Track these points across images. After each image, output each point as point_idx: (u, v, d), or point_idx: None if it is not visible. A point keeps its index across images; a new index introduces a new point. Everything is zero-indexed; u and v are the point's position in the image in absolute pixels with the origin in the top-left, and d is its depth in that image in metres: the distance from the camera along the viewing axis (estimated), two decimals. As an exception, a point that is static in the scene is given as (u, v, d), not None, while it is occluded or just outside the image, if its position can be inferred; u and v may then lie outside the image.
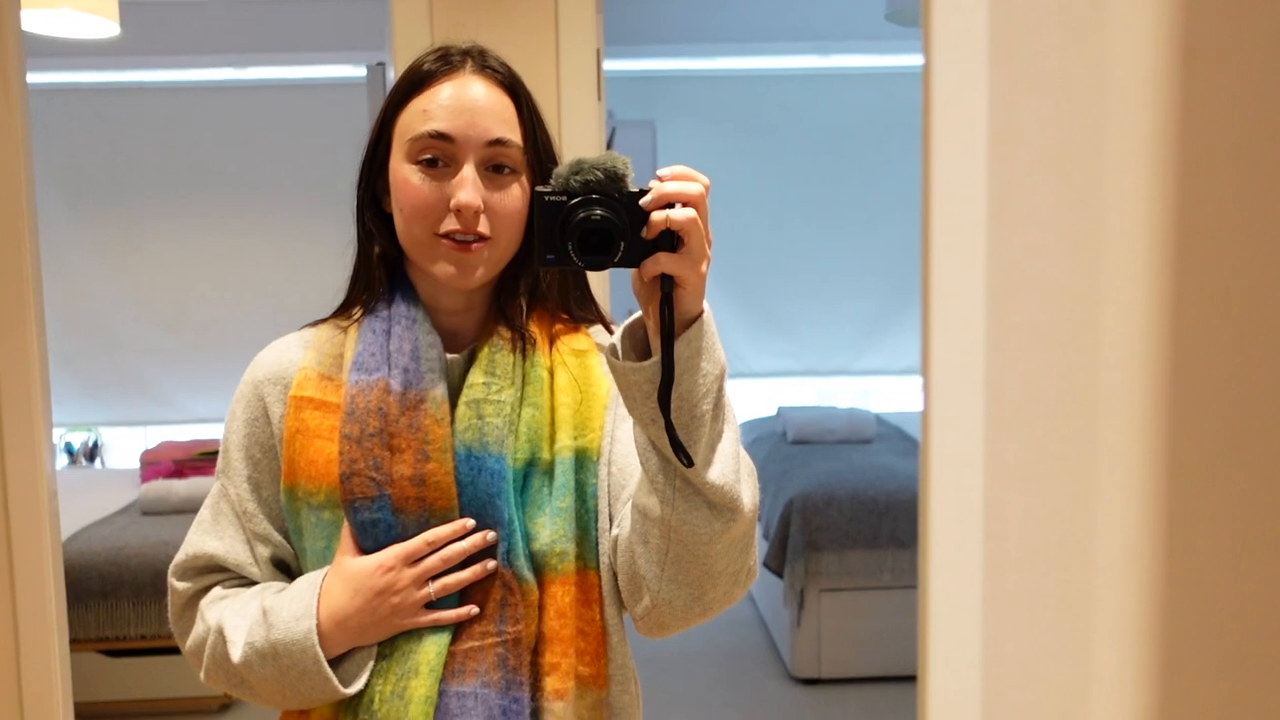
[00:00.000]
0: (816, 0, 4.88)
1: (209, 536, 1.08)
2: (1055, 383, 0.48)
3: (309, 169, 4.85)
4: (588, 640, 1.02)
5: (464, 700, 0.98)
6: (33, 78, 1.87)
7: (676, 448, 0.89)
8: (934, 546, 0.50)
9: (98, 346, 4.99)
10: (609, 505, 1.04)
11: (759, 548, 2.25)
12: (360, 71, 4.69)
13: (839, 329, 5.34)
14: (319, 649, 0.98)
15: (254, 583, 1.08)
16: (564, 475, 1.03)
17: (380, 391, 1.01)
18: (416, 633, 1.00)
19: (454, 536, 1.00)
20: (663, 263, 0.86)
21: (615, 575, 1.03)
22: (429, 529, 1.00)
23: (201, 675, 1.07)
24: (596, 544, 1.04)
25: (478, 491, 1.00)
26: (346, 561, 1.01)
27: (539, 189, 0.88)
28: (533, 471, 1.03)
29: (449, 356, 1.06)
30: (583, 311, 1.12)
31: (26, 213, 1.73)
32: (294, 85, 4.89)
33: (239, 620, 1.02)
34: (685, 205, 0.86)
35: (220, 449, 1.11)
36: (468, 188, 1.00)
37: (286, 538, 1.08)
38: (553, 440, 1.04)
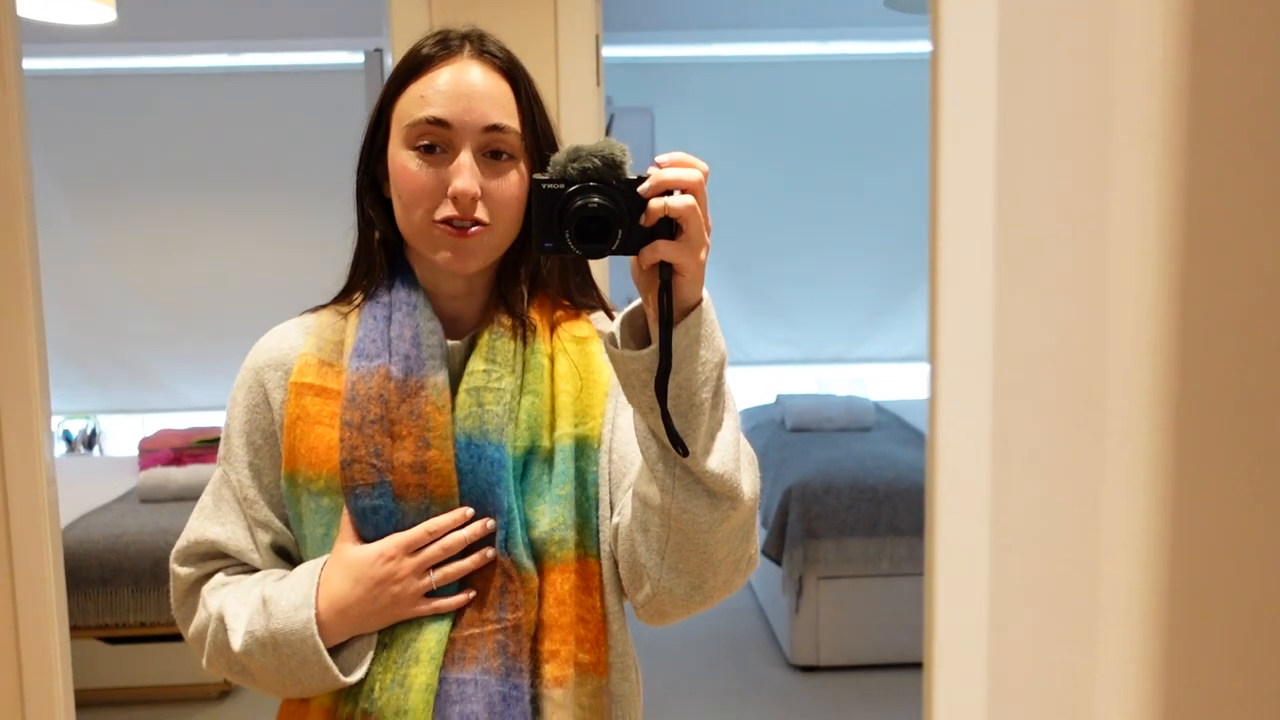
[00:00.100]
0: (816, -13, 4.87)
1: (210, 522, 1.08)
2: (1063, 367, 0.48)
3: (307, 155, 4.83)
4: (588, 628, 1.02)
5: (464, 687, 0.98)
6: (29, 64, 1.86)
7: (673, 437, 0.88)
8: (940, 531, 0.50)
9: (96, 334, 4.98)
10: (610, 493, 1.04)
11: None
12: (358, 58, 4.67)
13: (839, 316, 5.32)
14: (318, 639, 0.98)
15: (256, 569, 1.08)
16: (564, 463, 1.02)
17: (381, 378, 1.01)
18: (416, 620, 1.00)
19: (454, 525, 1.00)
20: (661, 250, 0.85)
21: (616, 563, 1.03)
22: (429, 516, 1.00)
23: (204, 662, 1.07)
24: (597, 532, 1.04)
25: (478, 479, 1.00)
26: (347, 550, 1.01)
27: (536, 176, 0.87)
28: (533, 459, 1.03)
29: (450, 343, 1.05)
30: (584, 298, 1.12)
31: (24, 199, 1.72)
32: (292, 71, 4.87)
33: (239, 608, 1.02)
34: (684, 192, 0.85)
35: (222, 435, 1.11)
36: (464, 174, 0.99)
37: (287, 524, 1.08)
38: (553, 428, 1.03)
